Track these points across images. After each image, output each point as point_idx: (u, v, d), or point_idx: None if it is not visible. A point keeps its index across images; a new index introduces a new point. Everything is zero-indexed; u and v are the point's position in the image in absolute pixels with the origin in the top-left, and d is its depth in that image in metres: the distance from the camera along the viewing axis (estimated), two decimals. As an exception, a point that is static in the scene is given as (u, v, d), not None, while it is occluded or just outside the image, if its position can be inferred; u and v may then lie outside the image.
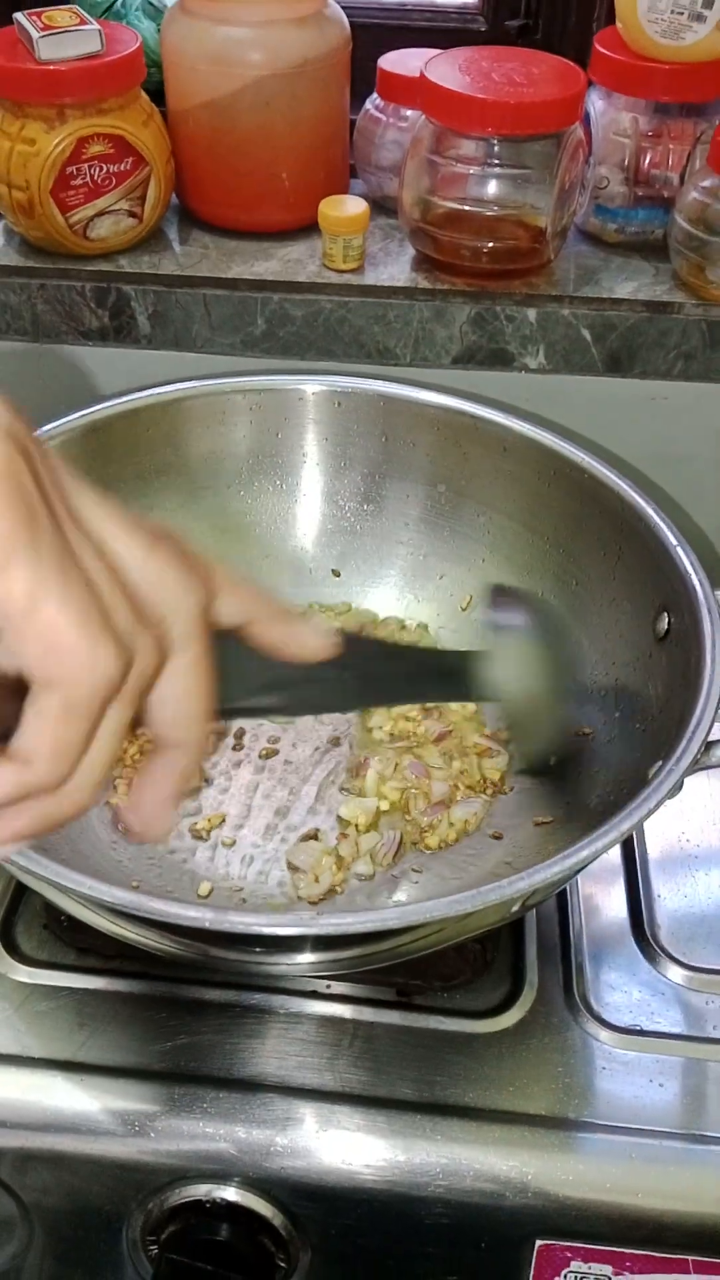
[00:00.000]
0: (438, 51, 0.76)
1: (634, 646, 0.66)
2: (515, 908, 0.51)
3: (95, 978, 0.63)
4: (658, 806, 0.51)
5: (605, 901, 0.68)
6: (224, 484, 0.78)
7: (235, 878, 0.66)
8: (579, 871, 0.51)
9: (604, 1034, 0.61)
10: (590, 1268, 0.57)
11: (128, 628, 0.33)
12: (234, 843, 0.68)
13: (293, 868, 0.66)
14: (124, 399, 0.74)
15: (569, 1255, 0.57)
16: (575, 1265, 0.57)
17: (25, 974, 0.63)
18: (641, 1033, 0.61)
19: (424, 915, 0.46)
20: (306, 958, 0.54)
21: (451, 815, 0.68)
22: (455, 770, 0.70)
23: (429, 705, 0.72)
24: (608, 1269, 0.57)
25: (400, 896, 0.64)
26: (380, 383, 0.76)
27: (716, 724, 0.56)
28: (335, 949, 0.53)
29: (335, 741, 0.73)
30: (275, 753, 0.72)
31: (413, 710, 0.72)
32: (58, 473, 0.34)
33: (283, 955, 0.54)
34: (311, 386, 0.77)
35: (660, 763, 0.54)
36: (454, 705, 0.72)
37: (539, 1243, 0.56)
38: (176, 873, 0.66)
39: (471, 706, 0.73)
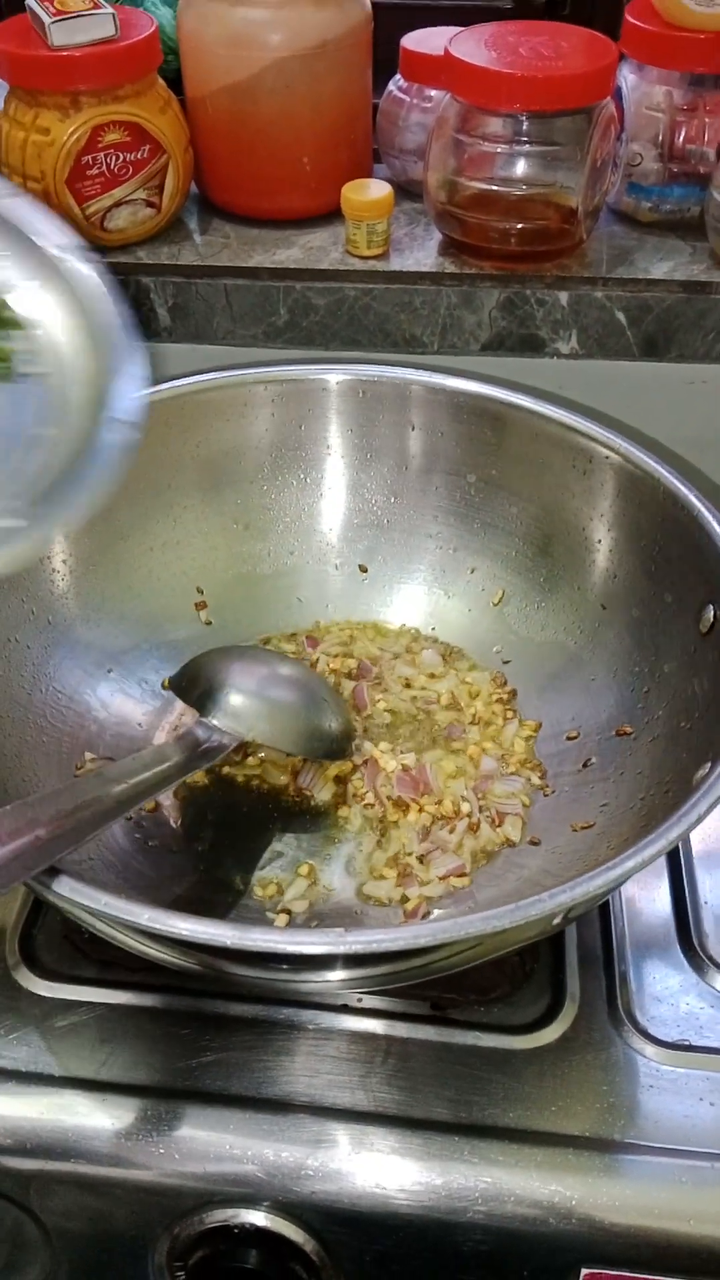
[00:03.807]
0: (462, 29, 0.74)
1: (677, 641, 0.63)
2: (556, 920, 0.48)
3: (118, 992, 0.61)
4: (708, 812, 0.48)
5: (649, 906, 0.65)
6: (246, 478, 0.77)
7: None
8: (624, 882, 0.48)
9: (650, 1049, 0.58)
10: (639, 1297, 0.54)
11: None
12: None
13: None
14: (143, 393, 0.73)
15: (616, 1284, 0.54)
16: (623, 1295, 0.54)
17: (45, 988, 0.61)
18: (690, 1048, 0.58)
19: (459, 932, 0.44)
20: (335, 975, 0.52)
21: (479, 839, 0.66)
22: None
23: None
24: (658, 1299, 0.54)
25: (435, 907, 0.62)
26: (405, 370, 0.74)
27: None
28: (365, 966, 0.50)
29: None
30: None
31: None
32: None
33: (310, 973, 0.52)
34: (335, 376, 0.75)
35: (709, 765, 0.51)
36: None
37: (584, 1271, 0.54)
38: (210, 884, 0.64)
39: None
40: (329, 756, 0.67)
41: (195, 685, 0.64)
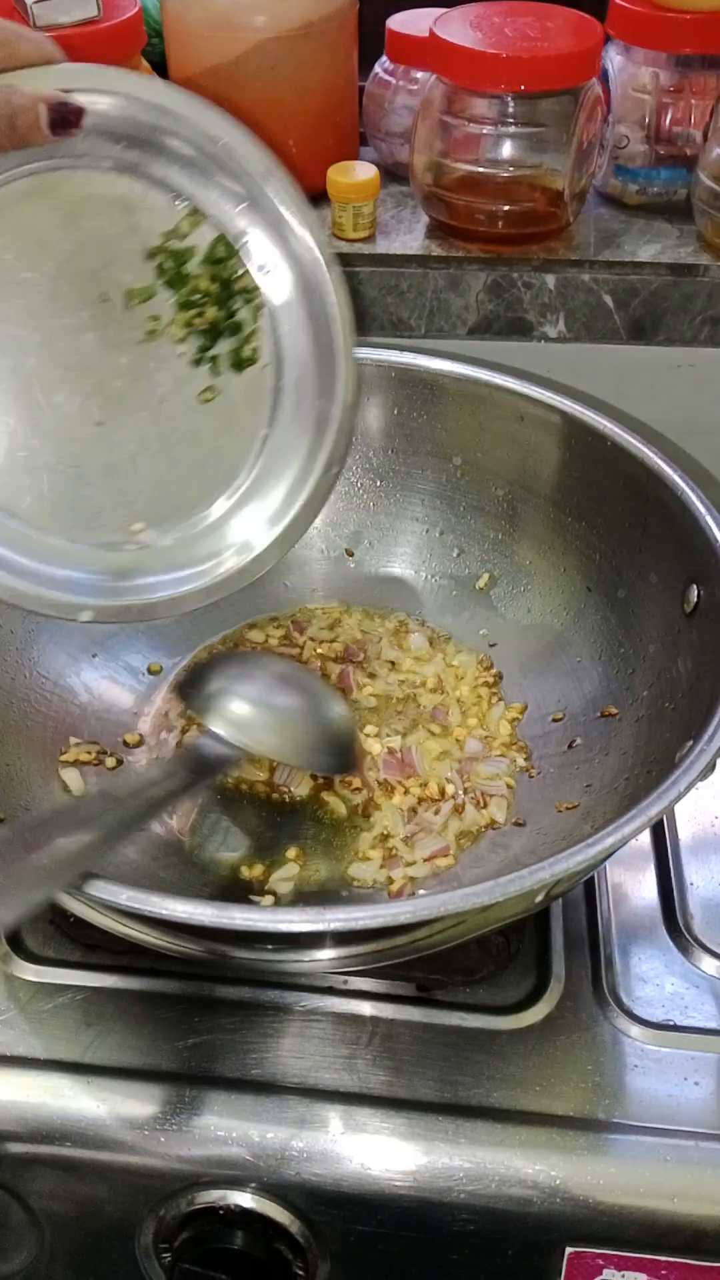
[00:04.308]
0: (447, 10, 0.74)
1: (661, 621, 0.64)
2: (539, 898, 0.48)
3: (103, 975, 0.61)
4: (688, 789, 0.48)
5: (635, 889, 0.65)
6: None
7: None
8: (606, 859, 0.48)
9: (635, 1030, 0.58)
10: (624, 1276, 0.54)
11: None
12: None
13: None
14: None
15: (601, 1263, 0.54)
16: (608, 1274, 0.54)
17: (31, 972, 0.61)
18: (675, 1028, 0.58)
19: (440, 909, 0.44)
20: (319, 954, 0.52)
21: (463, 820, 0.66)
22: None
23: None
24: (642, 1277, 0.54)
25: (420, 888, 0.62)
26: (388, 352, 0.74)
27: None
28: (349, 945, 0.50)
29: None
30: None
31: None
32: None
33: (293, 953, 0.52)
34: None
35: (690, 743, 0.51)
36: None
37: (569, 1250, 0.54)
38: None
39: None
40: (336, 771, 0.65)
41: (201, 690, 0.61)
